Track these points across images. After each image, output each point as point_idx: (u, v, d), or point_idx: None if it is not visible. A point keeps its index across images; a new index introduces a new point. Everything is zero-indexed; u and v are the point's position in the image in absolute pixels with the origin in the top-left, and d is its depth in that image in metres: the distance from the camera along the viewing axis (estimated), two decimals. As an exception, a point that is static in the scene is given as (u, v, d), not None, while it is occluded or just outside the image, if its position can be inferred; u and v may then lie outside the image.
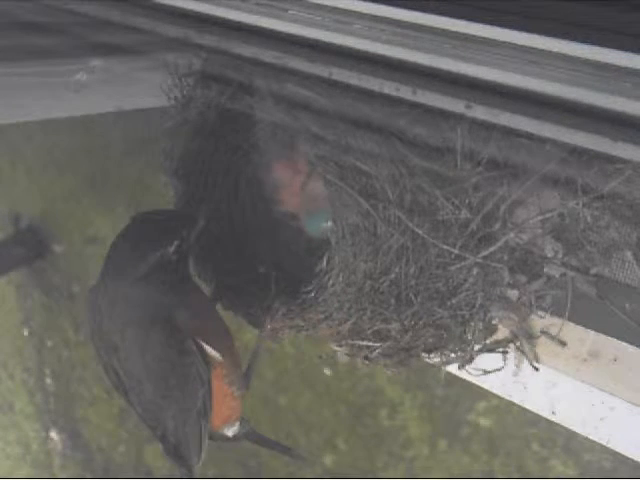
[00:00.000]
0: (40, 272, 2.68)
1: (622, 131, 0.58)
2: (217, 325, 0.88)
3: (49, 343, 2.73)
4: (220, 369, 0.84)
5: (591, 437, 0.78)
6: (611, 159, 0.64)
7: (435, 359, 0.84)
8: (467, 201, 0.74)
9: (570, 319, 0.75)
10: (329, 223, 0.85)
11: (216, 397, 0.84)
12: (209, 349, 0.82)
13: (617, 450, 0.77)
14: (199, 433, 0.83)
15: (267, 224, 0.98)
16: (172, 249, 0.80)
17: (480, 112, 0.66)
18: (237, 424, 0.91)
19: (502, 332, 0.81)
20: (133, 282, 0.79)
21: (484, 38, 0.60)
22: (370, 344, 0.84)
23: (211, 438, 0.88)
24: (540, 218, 0.72)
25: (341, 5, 0.68)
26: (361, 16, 0.67)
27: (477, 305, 0.78)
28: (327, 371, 1.83)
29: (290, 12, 0.74)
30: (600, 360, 0.75)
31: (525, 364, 0.80)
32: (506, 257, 0.75)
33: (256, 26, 0.77)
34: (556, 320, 0.76)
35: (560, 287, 0.74)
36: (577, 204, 0.70)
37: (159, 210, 0.86)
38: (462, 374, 0.84)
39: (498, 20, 0.58)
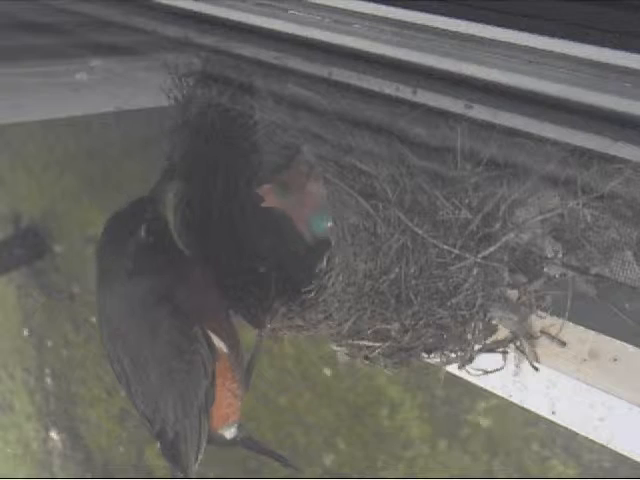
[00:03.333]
0: (40, 272, 2.68)
1: (622, 131, 0.58)
2: (224, 316, 0.88)
3: (49, 343, 2.73)
4: (224, 362, 0.84)
5: (591, 437, 0.78)
6: (611, 159, 0.64)
7: (435, 359, 0.83)
8: (467, 201, 0.74)
9: (570, 319, 0.75)
10: (329, 223, 0.85)
11: (218, 393, 0.84)
12: (215, 339, 0.82)
13: (617, 450, 0.77)
14: (198, 428, 0.83)
15: (267, 224, 0.98)
16: (142, 233, 0.83)
17: (480, 112, 0.66)
18: (235, 427, 0.91)
19: (502, 332, 0.81)
20: (124, 275, 0.82)
21: (484, 38, 0.60)
22: (370, 344, 0.84)
23: (210, 441, 0.88)
24: (540, 218, 0.72)
25: (341, 5, 0.68)
26: (361, 16, 0.67)
27: (477, 305, 0.78)
28: (327, 371, 1.83)
29: (290, 12, 0.74)
30: (600, 360, 0.75)
31: (525, 364, 0.80)
32: (506, 257, 0.75)
33: (256, 26, 0.77)
34: (556, 320, 0.76)
35: (560, 287, 0.74)
36: (577, 204, 0.70)
37: (124, 205, 0.88)
38: (462, 374, 0.84)
39: (498, 20, 0.58)
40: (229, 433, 0.91)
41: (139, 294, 0.82)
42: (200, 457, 0.85)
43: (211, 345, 0.82)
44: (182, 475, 0.85)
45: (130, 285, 0.82)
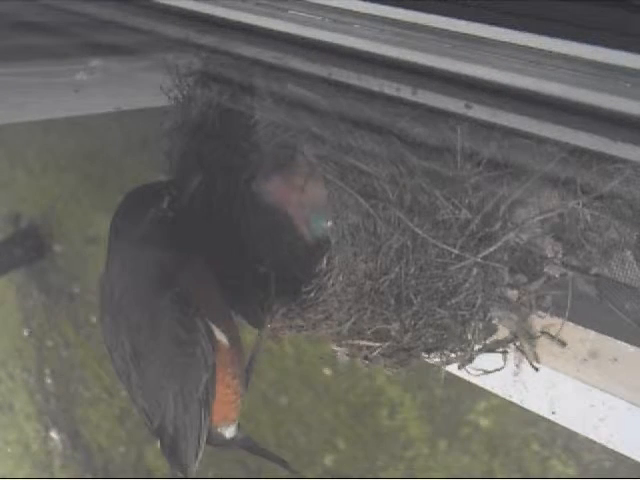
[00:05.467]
0: (40, 272, 2.68)
1: (622, 131, 0.58)
2: (225, 310, 0.88)
3: (49, 343, 2.73)
4: (225, 356, 0.83)
5: (591, 437, 0.78)
6: (611, 159, 0.64)
7: (435, 359, 0.83)
8: (467, 201, 0.74)
9: (570, 319, 0.75)
10: (329, 223, 0.85)
11: (218, 387, 0.83)
12: (217, 332, 0.82)
13: (617, 450, 0.77)
14: (199, 424, 0.82)
15: (267, 224, 0.98)
16: (165, 204, 0.83)
17: (480, 112, 0.66)
18: (235, 426, 0.91)
19: (502, 332, 0.81)
20: (137, 242, 0.82)
21: (484, 38, 0.60)
22: (370, 344, 0.84)
23: (208, 440, 0.87)
24: (540, 218, 0.72)
25: (341, 5, 0.68)
26: (361, 16, 0.67)
27: (477, 305, 0.78)
28: (327, 371, 1.83)
29: (290, 12, 0.74)
30: (600, 360, 0.75)
31: (525, 364, 0.80)
32: (506, 257, 0.75)
33: (256, 26, 0.77)
34: (556, 320, 0.76)
35: (560, 287, 0.74)
36: (577, 204, 0.70)
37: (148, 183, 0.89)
38: (462, 374, 0.84)
39: (498, 20, 0.58)
40: (228, 432, 0.90)
41: (145, 265, 0.81)
42: (200, 456, 0.85)
43: (212, 337, 0.81)
44: (182, 475, 0.84)
45: (138, 252, 0.82)
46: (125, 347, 0.82)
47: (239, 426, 0.91)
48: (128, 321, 0.82)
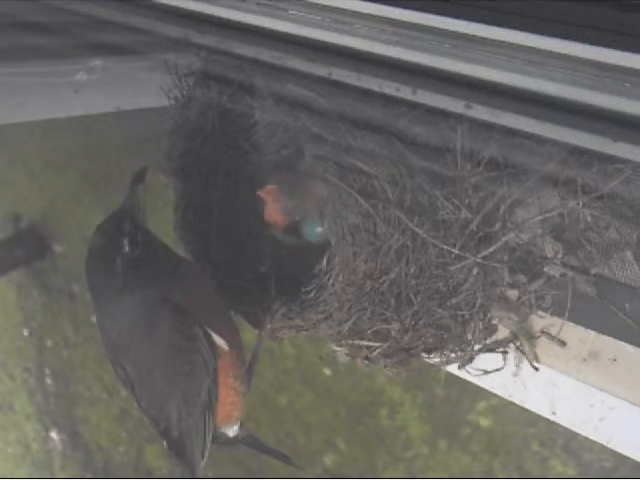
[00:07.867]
0: (40, 272, 2.68)
1: (622, 131, 0.58)
2: (223, 313, 0.88)
3: (49, 343, 2.73)
4: (226, 360, 0.84)
5: (591, 437, 0.78)
6: (611, 159, 0.64)
7: (435, 359, 0.84)
8: (467, 201, 0.74)
9: (570, 319, 0.75)
10: (319, 229, 0.86)
11: (220, 390, 0.84)
12: (216, 337, 0.82)
13: (617, 450, 0.77)
14: (203, 426, 0.83)
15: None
16: (126, 248, 0.81)
17: (480, 112, 0.67)
18: (238, 424, 0.91)
19: (502, 332, 0.81)
20: (120, 296, 0.80)
21: (484, 38, 0.60)
22: (370, 344, 0.84)
23: (213, 440, 0.87)
24: (540, 218, 0.72)
25: (341, 5, 0.68)
26: (361, 16, 0.67)
27: (477, 305, 0.78)
28: (327, 371, 1.83)
29: (290, 12, 0.74)
30: (600, 360, 0.75)
31: (525, 364, 0.80)
32: (506, 257, 0.75)
33: (256, 26, 0.77)
34: (556, 320, 0.76)
35: (560, 287, 0.74)
36: (577, 204, 0.70)
37: (101, 223, 0.86)
38: (462, 374, 0.84)
39: (498, 20, 0.58)
40: (231, 431, 0.91)
41: (135, 308, 0.81)
42: (206, 455, 0.85)
43: (212, 343, 0.82)
44: (189, 474, 0.85)
45: (125, 302, 0.81)
46: (127, 369, 0.83)
47: (241, 424, 0.92)
48: (128, 349, 0.82)
